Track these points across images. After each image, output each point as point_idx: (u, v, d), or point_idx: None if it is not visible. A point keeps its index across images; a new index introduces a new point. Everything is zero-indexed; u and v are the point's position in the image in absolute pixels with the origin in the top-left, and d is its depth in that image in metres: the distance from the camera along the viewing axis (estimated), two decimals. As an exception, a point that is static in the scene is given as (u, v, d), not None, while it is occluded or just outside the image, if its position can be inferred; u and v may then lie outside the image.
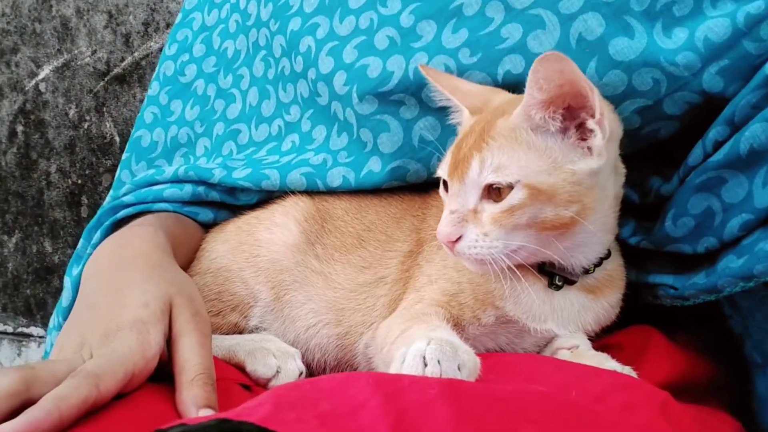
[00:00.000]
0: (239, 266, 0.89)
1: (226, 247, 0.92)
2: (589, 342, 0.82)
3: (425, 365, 0.62)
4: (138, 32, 1.83)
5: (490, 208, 0.73)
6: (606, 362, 0.76)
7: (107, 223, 0.99)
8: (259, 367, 0.82)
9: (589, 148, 0.74)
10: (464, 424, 0.52)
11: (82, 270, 0.85)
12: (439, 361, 0.62)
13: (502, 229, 0.73)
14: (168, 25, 1.79)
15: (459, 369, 0.62)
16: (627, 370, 0.75)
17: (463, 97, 0.82)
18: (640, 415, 0.63)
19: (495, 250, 0.73)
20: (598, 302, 0.82)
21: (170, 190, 0.99)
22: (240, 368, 0.83)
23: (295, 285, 0.88)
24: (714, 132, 0.79)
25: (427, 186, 0.92)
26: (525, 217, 0.73)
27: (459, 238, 0.74)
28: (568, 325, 0.81)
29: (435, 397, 0.54)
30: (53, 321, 1.06)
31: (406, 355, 0.63)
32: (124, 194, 1.02)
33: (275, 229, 0.90)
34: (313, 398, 0.54)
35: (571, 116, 0.73)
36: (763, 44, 0.77)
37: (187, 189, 0.99)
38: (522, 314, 0.80)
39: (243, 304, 0.89)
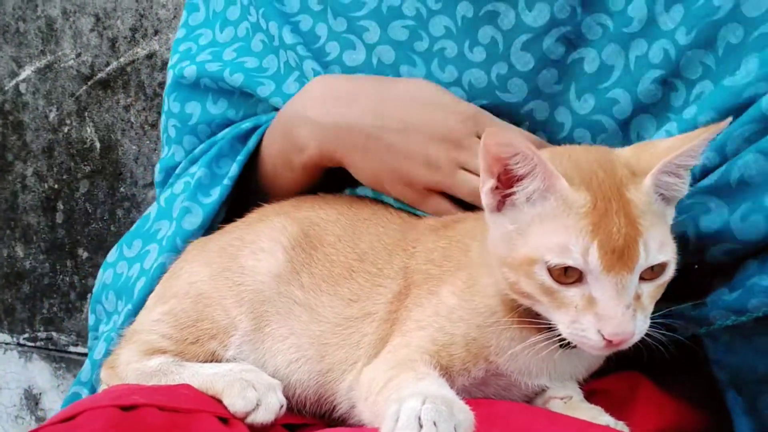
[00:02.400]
0: (221, 294, 0.86)
1: (208, 271, 0.88)
2: (581, 391, 0.80)
3: (420, 426, 0.59)
4: (125, 37, 1.79)
5: (648, 288, 0.70)
6: (600, 417, 0.74)
7: (251, 144, 1.03)
8: (237, 401, 0.79)
9: (665, 200, 0.73)
10: None
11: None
12: (435, 423, 0.59)
13: (653, 306, 0.71)
14: (156, 32, 1.75)
15: (455, 430, 0.60)
16: (620, 426, 0.73)
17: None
18: None
19: (647, 328, 0.71)
20: None
21: None
22: (218, 399, 0.80)
23: (278, 317, 0.85)
24: (703, 158, 0.78)
25: None
26: (665, 285, 0.72)
27: None
28: (561, 378, 0.79)
29: None
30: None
31: (399, 413, 0.60)
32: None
33: (261, 255, 0.87)
34: None
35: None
36: (735, 77, 0.79)
37: None
38: (515, 371, 0.78)
39: (222, 332, 0.85)
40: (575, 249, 0.67)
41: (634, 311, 0.68)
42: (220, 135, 1.08)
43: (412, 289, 0.82)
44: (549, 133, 0.92)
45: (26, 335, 1.98)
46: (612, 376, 0.85)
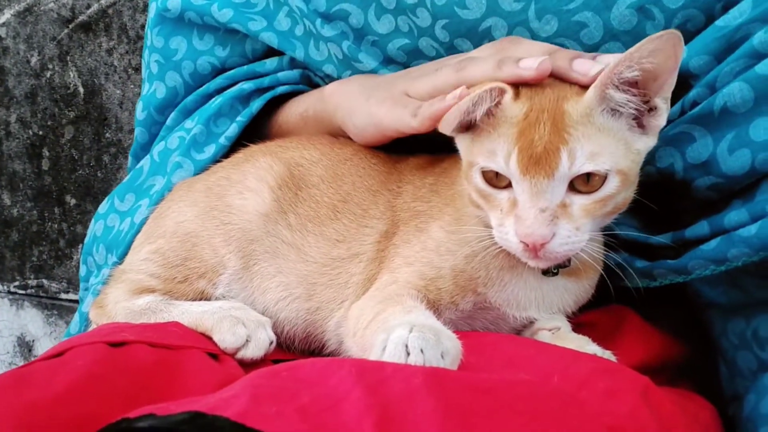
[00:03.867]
0: (209, 233, 0.86)
1: (195, 210, 0.87)
2: (569, 324, 0.81)
3: (408, 354, 0.60)
4: (106, -22, 1.75)
5: (581, 200, 0.70)
6: (587, 346, 0.75)
7: (254, 108, 1.04)
8: (227, 336, 0.79)
9: (641, 127, 0.73)
10: (450, 417, 0.50)
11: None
12: (422, 350, 0.59)
13: (591, 221, 0.71)
14: (138, -26, 1.71)
15: (442, 357, 0.60)
16: (608, 355, 0.74)
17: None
18: (622, 403, 0.62)
19: (581, 244, 0.71)
20: (579, 284, 0.82)
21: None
22: (208, 336, 0.80)
23: (266, 256, 0.85)
24: (694, 93, 0.79)
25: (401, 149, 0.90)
26: (611, 204, 0.72)
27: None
28: (549, 310, 0.80)
29: (419, 388, 0.52)
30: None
31: (387, 342, 0.61)
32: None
33: (248, 194, 0.86)
34: (292, 389, 0.51)
35: (642, 96, 0.71)
36: (726, 17, 0.77)
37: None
38: (504, 302, 0.79)
39: (211, 271, 0.86)
40: (500, 153, 0.71)
41: (554, 217, 0.69)
42: (213, 85, 1.07)
43: (400, 226, 0.83)
44: None
45: (17, 283, 1.98)
46: (600, 309, 0.87)
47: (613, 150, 0.70)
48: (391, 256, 0.81)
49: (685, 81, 0.80)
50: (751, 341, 0.78)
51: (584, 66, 0.72)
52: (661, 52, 0.68)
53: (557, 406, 0.56)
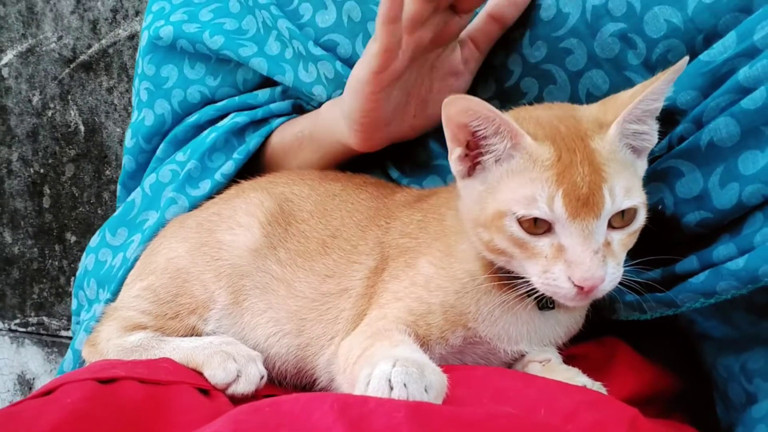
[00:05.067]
0: (199, 269, 0.86)
1: (186, 246, 0.88)
2: (559, 356, 0.81)
3: (391, 389, 0.59)
4: (106, 19, 1.78)
5: (618, 236, 0.71)
6: (577, 377, 0.75)
7: (251, 146, 1.04)
8: (218, 372, 0.79)
9: (636, 151, 0.74)
10: None
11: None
12: (405, 384, 0.59)
13: (624, 254, 0.72)
14: (137, 12, 1.74)
15: (426, 391, 0.60)
16: (597, 386, 0.74)
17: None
18: None
19: (619, 278, 0.71)
20: (571, 316, 0.81)
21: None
22: (199, 372, 0.80)
23: (256, 291, 0.85)
24: (681, 128, 0.80)
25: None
26: (637, 235, 0.73)
27: None
28: (540, 343, 0.80)
29: (401, 423, 0.52)
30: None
31: (371, 377, 0.61)
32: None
33: (238, 230, 0.87)
34: (273, 424, 0.51)
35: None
36: (711, 51, 0.78)
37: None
38: (494, 336, 0.78)
39: (202, 307, 0.86)
40: (541, 199, 0.69)
41: (603, 257, 0.69)
42: (204, 116, 1.08)
43: (389, 262, 0.83)
44: (497, 80, 0.91)
45: (17, 321, 1.98)
46: (591, 342, 0.86)
47: (636, 182, 0.72)
48: (381, 292, 0.81)
49: (672, 116, 0.80)
50: (740, 374, 0.78)
51: None
52: (673, 80, 0.71)
53: (542, 439, 0.55)
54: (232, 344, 0.82)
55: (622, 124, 0.71)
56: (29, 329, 1.97)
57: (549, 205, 0.68)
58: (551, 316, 0.80)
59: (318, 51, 0.98)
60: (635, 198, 0.70)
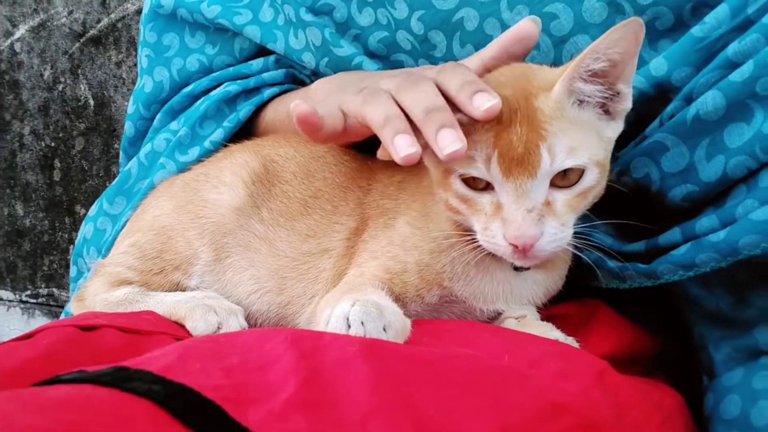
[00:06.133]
0: (183, 226, 0.87)
1: (172, 204, 0.89)
2: (537, 313, 0.81)
3: (349, 327, 0.60)
4: (115, -7, 1.79)
5: (563, 196, 0.70)
6: (550, 332, 0.75)
7: (242, 115, 1.05)
8: (199, 324, 0.80)
9: (607, 113, 0.73)
10: (382, 383, 0.50)
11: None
12: (363, 323, 0.60)
13: (573, 215, 0.71)
14: (146, -12, 1.75)
15: (385, 330, 0.60)
16: (570, 341, 0.74)
17: None
18: (574, 383, 0.61)
19: (567, 239, 0.71)
20: (549, 276, 0.82)
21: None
22: (181, 325, 0.81)
23: (238, 249, 0.86)
24: (672, 107, 0.79)
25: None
26: (591, 195, 0.72)
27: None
28: (518, 302, 0.80)
29: (354, 356, 0.52)
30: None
31: (330, 316, 0.61)
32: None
33: (222, 189, 0.88)
34: (226, 352, 0.52)
35: (607, 84, 0.72)
36: (704, 26, 0.76)
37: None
38: (470, 295, 0.78)
39: (186, 263, 0.87)
40: (480, 159, 0.69)
41: (540, 216, 0.68)
42: (199, 86, 1.09)
43: (369, 223, 0.83)
44: (476, 46, 0.89)
45: (28, 292, 2.02)
46: (572, 302, 0.86)
47: (588, 142, 0.71)
48: (360, 252, 0.82)
49: (665, 94, 0.80)
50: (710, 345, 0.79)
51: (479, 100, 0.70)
52: (624, 41, 0.68)
53: (499, 380, 0.56)
54: (215, 298, 0.83)
55: (567, 81, 0.70)
56: (39, 300, 2.00)
57: (485, 165, 0.69)
58: (529, 276, 0.80)
59: (308, 17, 0.98)
60: (581, 157, 0.69)
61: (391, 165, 0.87)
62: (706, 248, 0.73)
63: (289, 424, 0.45)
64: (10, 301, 2.04)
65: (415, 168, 0.84)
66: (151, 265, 0.87)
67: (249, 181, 0.88)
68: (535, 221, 0.68)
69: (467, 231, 0.75)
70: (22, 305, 2.03)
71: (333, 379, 0.49)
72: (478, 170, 0.70)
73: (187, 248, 0.87)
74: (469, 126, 0.70)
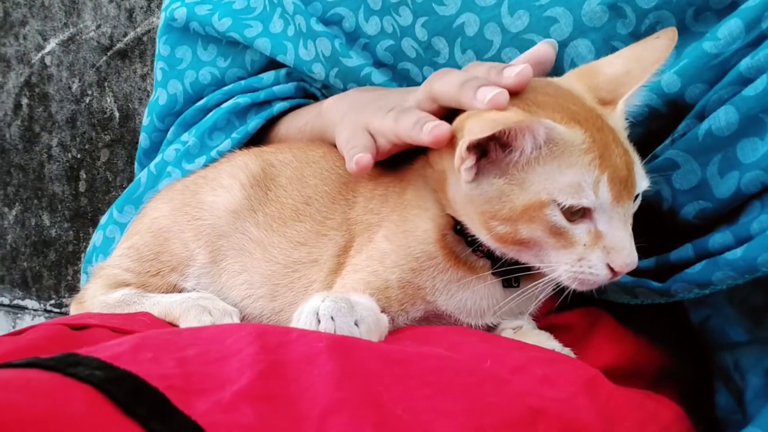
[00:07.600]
0: (180, 228, 0.87)
1: (170, 207, 0.89)
2: (533, 322, 0.79)
3: (318, 322, 0.58)
4: (141, 7, 1.82)
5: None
6: (547, 342, 0.73)
7: (251, 128, 1.05)
8: (193, 324, 0.80)
9: None
10: (348, 379, 0.49)
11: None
12: (332, 317, 0.59)
13: None
14: (171, 2, 1.78)
15: (357, 325, 0.59)
16: (567, 351, 0.71)
17: None
18: (558, 389, 0.59)
19: None
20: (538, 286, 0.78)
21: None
22: (176, 325, 0.81)
23: (233, 252, 0.85)
24: (684, 125, 0.78)
25: None
26: None
27: None
28: (508, 315, 0.78)
29: (321, 351, 0.51)
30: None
31: (301, 312, 0.60)
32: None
33: (220, 191, 0.87)
34: (184, 344, 0.51)
35: None
36: (718, 43, 0.75)
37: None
38: (455, 310, 0.76)
39: (182, 264, 0.87)
40: (587, 186, 0.64)
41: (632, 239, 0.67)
42: (212, 100, 1.09)
43: (356, 239, 0.82)
44: (476, 51, 0.88)
45: (52, 301, 2.04)
46: (574, 311, 0.84)
47: None
48: (345, 266, 0.80)
49: (678, 112, 0.78)
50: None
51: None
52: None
53: (474, 382, 0.54)
54: (210, 299, 0.83)
55: (627, 99, 0.69)
56: (63, 310, 2.02)
57: (594, 190, 0.64)
58: (515, 289, 0.77)
59: (319, 27, 0.98)
60: (648, 178, 0.68)
61: (372, 177, 0.84)
62: (722, 266, 0.71)
63: (236, 415, 0.43)
64: (35, 310, 2.07)
65: (396, 180, 0.83)
66: (148, 267, 0.87)
67: (246, 183, 0.87)
68: (633, 245, 0.66)
69: (458, 252, 0.73)
70: (46, 314, 2.05)
71: (296, 373, 0.48)
72: (588, 199, 0.64)
73: (184, 250, 0.86)
74: (555, 150, 0.65)
